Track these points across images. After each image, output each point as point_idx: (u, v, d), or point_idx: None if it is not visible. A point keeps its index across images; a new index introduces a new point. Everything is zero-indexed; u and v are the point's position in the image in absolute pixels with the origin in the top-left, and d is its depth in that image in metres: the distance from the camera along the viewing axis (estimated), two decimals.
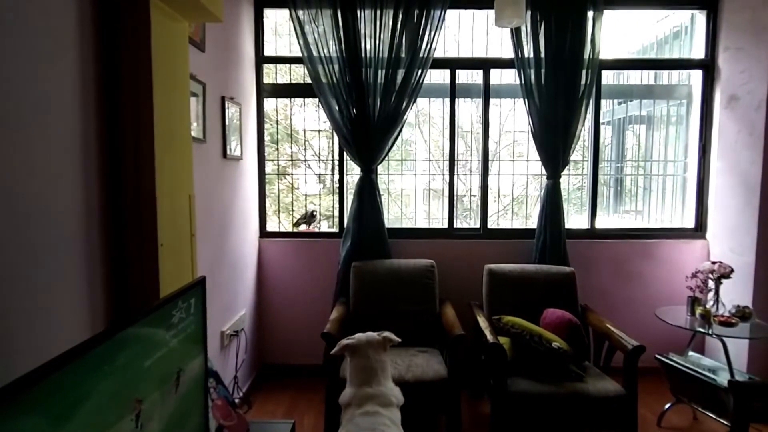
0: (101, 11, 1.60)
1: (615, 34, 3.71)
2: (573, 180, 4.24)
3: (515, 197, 4.22)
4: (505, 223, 4.58)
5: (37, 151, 1.34)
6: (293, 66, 3.90)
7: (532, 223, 3.72)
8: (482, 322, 2.96)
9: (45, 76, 1.37)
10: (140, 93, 1.64)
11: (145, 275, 1.69)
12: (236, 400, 2.62)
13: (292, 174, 4.01)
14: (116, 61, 1.63)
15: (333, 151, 3.83)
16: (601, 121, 3.79)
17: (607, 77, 3.78)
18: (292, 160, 3.97)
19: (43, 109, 1.37)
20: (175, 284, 1.77)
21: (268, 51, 3.74)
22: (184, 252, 1.94)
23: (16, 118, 1.27)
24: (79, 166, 1.50)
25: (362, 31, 3.35)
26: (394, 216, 4.17)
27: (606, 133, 4.20)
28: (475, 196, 3.90)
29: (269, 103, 3.80)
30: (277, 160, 3.88)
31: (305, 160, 4.22)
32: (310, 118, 4.07)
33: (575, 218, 4.25)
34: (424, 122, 4.25)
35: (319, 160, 4.08)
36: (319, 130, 4.01)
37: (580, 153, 3.83)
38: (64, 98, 1.45)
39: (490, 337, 2.72)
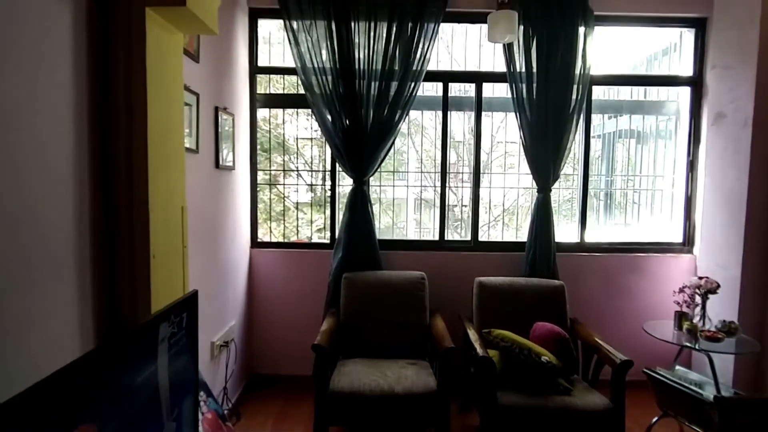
0: (96, 22, 1.60)
1: (605, 51, 3.75)
2: (564, 193, 4.28)
3: (506, 208, 4.25)
4: (496, 234, 4.60)
5: (30, 161, 1.34)
6: (286, 76, 3.91)
7: (523, 235, 3.75)
8: (472, 335, 2.97)
9: (39, 86, 1.37)
10: (134, 104, 1.64)
11: (137, 287, 1.68)
12: (225, 412, 2.60)
13: (284, 184, 4.01)
14: (111, 72, 1.64)
15: (325, 161, 3.83)
16: (592, 135, 3.83)
17: (598, 92, 3.83)
18: (284, 170, 3.97)
19: (37, 118, 1.36)
20: (166, 296, 1.77)
21: (262, 61, 3.74)
22: (176, 264, 1.94)
23: (9, 126, 1.26)
24: (71, 176, 1.50)
25: (356, 43, 3.36)
26: (385, 225, 4.18)
27: (596, 146, 4.24)
28: (466, 206, 3.92)
29: (260, 113, 3.80)
30: (269, 170, 3.88)
31: (297, 170, 4.22)
32: (301, 128, 4.07)
33: (565, 231, 4.28)
34: (416, 133, 4.27)
35: (312, 170, 4.08)
36: (311, 138, 4.00)
37: (570, 166, 3.87)
38: (59, 107, 1.45)
39: (479, 350, 2.73)
